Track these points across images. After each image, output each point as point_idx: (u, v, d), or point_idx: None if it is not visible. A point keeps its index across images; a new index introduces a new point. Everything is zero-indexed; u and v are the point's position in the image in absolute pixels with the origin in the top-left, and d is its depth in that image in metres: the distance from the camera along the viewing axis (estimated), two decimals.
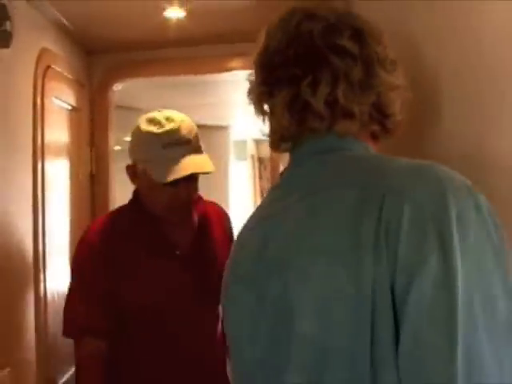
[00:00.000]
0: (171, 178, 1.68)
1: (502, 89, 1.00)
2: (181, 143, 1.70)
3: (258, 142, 8.11)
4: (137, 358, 1.76)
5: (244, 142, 7.25)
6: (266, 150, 8.17)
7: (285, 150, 0.99)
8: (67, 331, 1.80)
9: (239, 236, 1.02)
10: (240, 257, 0.97)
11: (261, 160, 8.40)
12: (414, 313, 0.69)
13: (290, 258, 0.83)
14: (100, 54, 3.26)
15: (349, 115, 0.90)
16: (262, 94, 0.96)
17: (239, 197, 7.47)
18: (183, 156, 1.69)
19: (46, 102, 2.57)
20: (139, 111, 4.30)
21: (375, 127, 0.94)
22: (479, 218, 0.72)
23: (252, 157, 7.92)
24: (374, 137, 0.97)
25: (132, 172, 1.82)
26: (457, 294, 0.66)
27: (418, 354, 0.68)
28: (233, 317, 0.97)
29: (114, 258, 1.74)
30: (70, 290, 1.82)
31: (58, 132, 2.76)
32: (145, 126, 1.75)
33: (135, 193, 1.87)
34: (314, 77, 0.89)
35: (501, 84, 1.00)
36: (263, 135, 1.01)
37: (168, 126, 1.71)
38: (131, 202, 1.87)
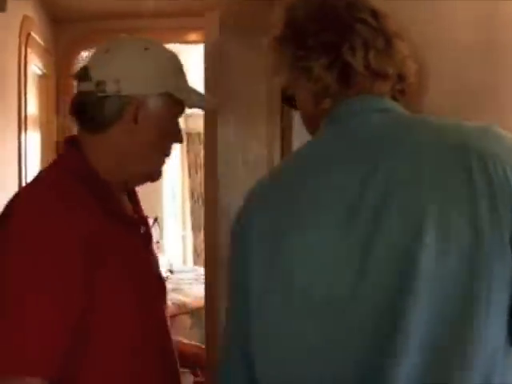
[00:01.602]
0: (212, 105, 1.48)
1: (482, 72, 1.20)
2: None
3: (186, 117, 8.12)
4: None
5: None
6: (195, 125, 8.23)
7: (324, 107, 1.07)
8: (8, 366, 1.12)
9: (299, 181, 1.01)
10: (317, 203, 0.97)
11: (188, 135, 8.45)
12: None
13: (402, 205, 0.91)
14: (67, 22, 3.25)
15: (383, 76, 1.03)
16: (298, 58, 1.06)
17: (169, 168, 7.52)
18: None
19: (28, 69, 2.58)
20: None
21: (399, 89, 1.07)
22: None
23: None
24: (394, 99, 1.11)
25: (136, 112, 1.30)
26: None
27: None
28: (308, 262, 0.94)
29: (91, 244, 1.21)
30: (19, 295, 1.15)
31: (33, 99, 2.77)
32: (159, 48, 1.38)
33: (74, 149, 1.34)
34: (350, 42, 1.02)
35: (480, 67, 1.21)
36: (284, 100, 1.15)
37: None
38: (73, 162, 1.33)
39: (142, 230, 1.38)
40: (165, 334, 1.38)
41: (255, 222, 1.00)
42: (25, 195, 1.28)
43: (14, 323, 1.14)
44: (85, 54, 3.34)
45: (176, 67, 1.39)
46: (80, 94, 1.33)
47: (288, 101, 1.16)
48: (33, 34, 2.69)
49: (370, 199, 0.92)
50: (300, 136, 2.95)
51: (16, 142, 2.45)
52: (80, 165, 1.31)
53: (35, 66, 2.77)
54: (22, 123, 2.49)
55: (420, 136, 0.97)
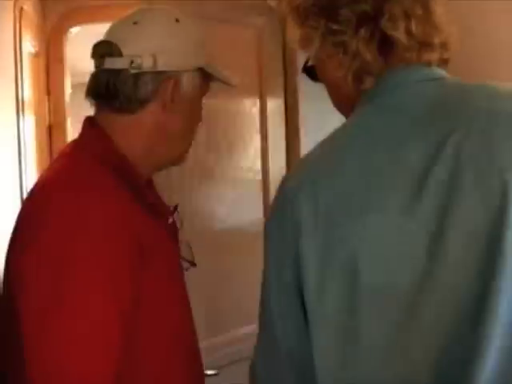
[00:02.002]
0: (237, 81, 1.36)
1: None
2: None
3: None
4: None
5: None
6: None
7: (364, 88, 0.99)
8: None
9: (352, 161, 0.91)
10: (377, 184, 0.88)
11: None
12: None
13: (479, 178, 0.83)
14: None
15: (428, 46, 0.96)
16: (332, 32, 0.97)
17: None
18: None
19: (23, 48, 2.39)
20: None
21: (445, 58, 1.00)
22: None
23: None
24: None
25: (174, 89, 1.21)
26: None
27: None
28: (372, 249, 0.85)
29: (139, 241, 1.12)
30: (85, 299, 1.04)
31: (28, 80, 2.58)
32: (188, 20, 1.28)
33: (99, 133, 1.22)
34: (389, 12, 0.94)
35: None
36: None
37: None
38: (101, 148, 1.20)
39: (170, 220, 1.28)
40: (193, 328, 1.29)
41: (304, 207, 0.88)
42: (60, 189, 1.14)
43: (69, 336, 1.02)
44: (75, 31, 3.14)
45: (204, 41, 1.29)
46: (107, 71, 1.21)
47: (309, 72, 1.08)
48: (25, 8, 2.49)
49: (439, 175, 0.84)
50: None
51: (15, 126, 2.27)
52: (110, 151, 1.20)
53: (28, 44, 2.57)
54: (19, 106, 2.30)
55: (487, 103, 0.90)
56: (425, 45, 0.96)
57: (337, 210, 0.87)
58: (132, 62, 1.18)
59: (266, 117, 3.00)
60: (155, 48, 1.20)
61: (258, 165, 2.87)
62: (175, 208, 1.31)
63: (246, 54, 2.90)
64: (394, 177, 0.86)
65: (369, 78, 0.97)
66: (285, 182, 0.96)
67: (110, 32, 1.26)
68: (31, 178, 2.49)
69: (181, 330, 1.24)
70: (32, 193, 1.21)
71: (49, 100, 3.02)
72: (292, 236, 0.88)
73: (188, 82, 1.23)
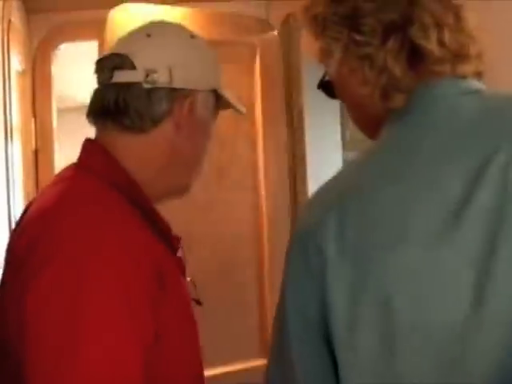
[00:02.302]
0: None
1: None
2: None
3: None
4: None
5: None
6: None
7: (394, 106, 0.91)
8: None
9: (384, 186, 0.83)
10: (413, 211, 0.80)
11: None
12: None
13: None
14: (41, 12, 2.83)
15: (463, 57, 0.90)
16: (355, 43, 0.91)
17: None
18: None
19: (12, 64, 2.17)
20: None
21: (480, 70, 0.94)
22: None
23: None
24: None
25: (190, 107, 1.13)
26: None
27: None
28: (409, 285, 0.78)
29: (159, 275, 1.03)
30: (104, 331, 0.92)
31: (14, 101, 2.36)
32: (201, 38, 1.21)
33: (106, 156, 1.10)
34: (419, 21, 0.88)
35: None
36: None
37: None
38: (112, 173, 1.09)
39: (179, 252, 1.19)
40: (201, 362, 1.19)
41: (331, 237, 0.81)
42: (71, 219, 0.99)
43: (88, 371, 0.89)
44: (63, 47, 2.93)
45: (217, 61, 1.22)
46: (116, 85, 1.10)
47: (326, 88, 1.02)
48: (13, 20, 2.28)
49: (483, 200, 0.77)
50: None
51: (3, 150, 2.05)
52: (120, 175, 1.09)
53: (15, 60, 2.35)
54: (7, 128, 2.08)
55: None
56: (459, 56, 0.90)
57: (367, 241, 0.80)
58: (147, 76, 1.09)
59: (265, 144, 2.80)
60: (171, 63, 1.11)
61: (254, 197, 2.70)
62: (179, 241, 1.20)
63: (241, 75, 2.72)
64: (430, 203, 0.79)
65: (398, 94, 0.90)
66: (307, 209, 0.90)
67: (118, 45, 1.16)
68: (19, 205, 2.27)
69: (199, 370, 1.16)
70: (31, 221, 1.04)
71: (35, 123, 2.78)
72: (317, 270, 0.81)
73: (202, 104, 1.16)
